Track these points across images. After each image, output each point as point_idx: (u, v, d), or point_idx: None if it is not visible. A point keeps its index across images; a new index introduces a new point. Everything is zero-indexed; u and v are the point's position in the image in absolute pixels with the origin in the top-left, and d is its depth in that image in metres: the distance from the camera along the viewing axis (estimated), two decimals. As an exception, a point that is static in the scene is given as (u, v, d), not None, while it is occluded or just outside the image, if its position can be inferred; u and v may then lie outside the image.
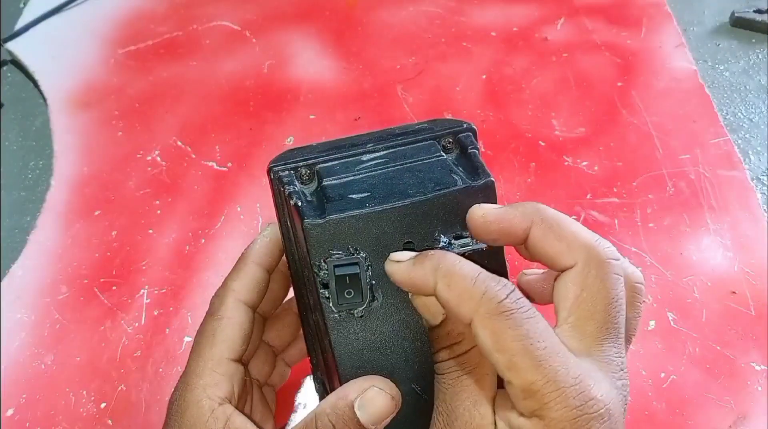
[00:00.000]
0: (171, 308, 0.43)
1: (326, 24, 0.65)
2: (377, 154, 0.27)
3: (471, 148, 0.27)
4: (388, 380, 0.24)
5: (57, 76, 0.61)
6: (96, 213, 0.49)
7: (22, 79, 0.63)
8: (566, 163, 0.50)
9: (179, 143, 0.54)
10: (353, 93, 0.57)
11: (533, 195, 0.48)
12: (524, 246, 0.24)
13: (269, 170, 0.27)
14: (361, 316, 0.25)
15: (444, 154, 0.27)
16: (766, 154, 0.51)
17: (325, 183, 0.26)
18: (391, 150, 0.27)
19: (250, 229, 0.47)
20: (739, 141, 0.52)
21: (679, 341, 0.40)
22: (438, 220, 0.25)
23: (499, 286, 0.21)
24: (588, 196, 0.48)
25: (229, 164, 0.52)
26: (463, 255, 0.24)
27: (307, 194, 0.26)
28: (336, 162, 0.27)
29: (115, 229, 0.48)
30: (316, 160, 0.27)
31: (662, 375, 0.38)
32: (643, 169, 0.49)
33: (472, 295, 0.21)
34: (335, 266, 0.24)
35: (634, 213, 0.46)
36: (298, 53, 0.62)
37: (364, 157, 0.27)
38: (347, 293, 0.25)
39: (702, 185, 0.48)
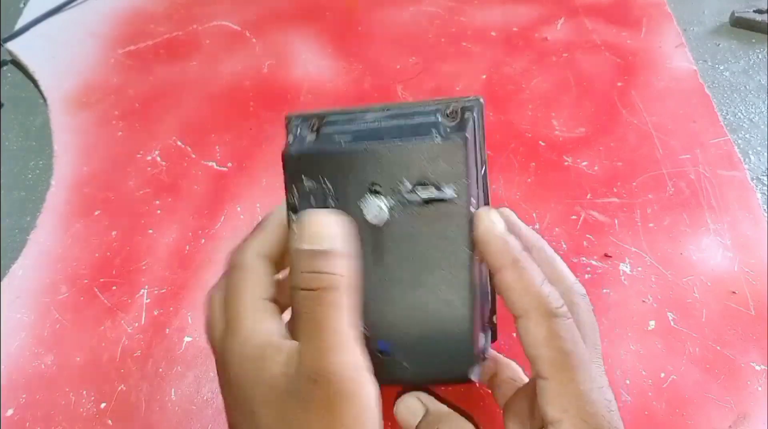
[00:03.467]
0: (171, 308, 0.43)
1: (326, 24, 0.65)
2: (380, 114, 0.28)
3: (467, 114, 0.27)
4: None
5: (57, 76, 0.61)
6: (96, 213, 0.49)
7: (22, 79, 0.63)
8: (566, 163, 0.50)
9: (179, 143, 0.54)
10: (353, 93, 0.57)
11: (533, 195, 0.48)
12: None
13: (287, 118, 0.29)
14: None
15: (440, 118, 0.27)
16: (766, 154, 0.51)
17: (323, 131, 0.28)
18: (395, 111, 0.28)
19: (250, 229, 0.47)
20: (739, 141, 0.52)
21: (679, 341, 0.40)
22: (405, 167, 0.26)
23: (557, 295, 0.24)
24: (588, 196, 0.48)
25: (229, 164, 0.52)
26: (425, 201, 0.26)
27: (306, 138, 0.28)
28: (343, 116, 0.29)
29: (115, 229, 0.48)
30: (327, 114, 0.29)
31: (662, 375, 0.38)
32: (643, 169, 0.49)
33: (538, 293, 0.24)
34: (303, 192, 0.27)
35: (634, 213, 0.47)
36: (298, 53, 0.62)
37: (368, 116, 0.28)
38: None
39: (702, 185, 0.48)
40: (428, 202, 0.26)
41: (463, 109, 0.28)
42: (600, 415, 0.23)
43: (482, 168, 0.28)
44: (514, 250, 0.25)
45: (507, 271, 0.25)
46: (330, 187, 0.26)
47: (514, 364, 0.32)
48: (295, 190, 0.27)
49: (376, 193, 0.26)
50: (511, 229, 0.26)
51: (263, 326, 0.25)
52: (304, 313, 0.23)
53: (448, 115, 0.28)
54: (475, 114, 0.28)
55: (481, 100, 0.29)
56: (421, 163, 0.26)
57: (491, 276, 0.26)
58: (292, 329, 0.25)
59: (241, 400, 0.24)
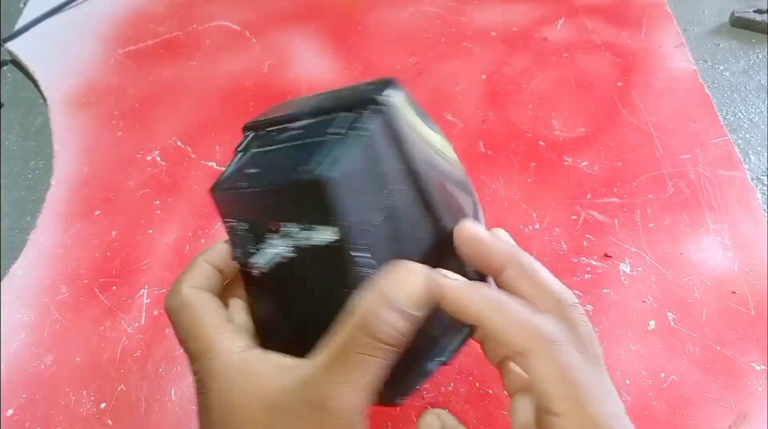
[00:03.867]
0: (171, 308, 0.43)
1: (326, 24, 0.65)
2: (298, 125, 0.27)
3: (352, 133, 0.23)
4: None
5: (57, 76, 0.61)
6: (96, 213, 0.49)
7: (22, 79, 0.63)
8: (566, 163, 0.50)
9: (179, 143, 0.54)
10: (353, 93, 0.57)
11: (533, 195, 0.48)
12: (498, 282, 0.26)
13: (243, 128, 0.29)
14: (258, 277, 0.26)
15: (340, 133, 0.23)
16: (766, 154, 0.51)
17: (249, 152, 0.28)
18: (312, 120, 0.26)
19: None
20: (739, 141, 0.52)
21: (679, 341, 0.40)
22: (289, 209, 0.24)
23: (551, 320, 0.23)
24: (588, 196, 0.48)
25: (229, 164, 0.52)
26: (297, 247, 0.24)
27: (231, 164, 0.28)
28: (273, 128, 0.28)
29: (115, 229, 0.48)
30: (261, 124, 0.29)
31: (662, 375, 0.38)
32: (643, 169, 0.49)
33: (532, 327, 0.23)
34: (230, 228, 0.27)
35: (634, 213, 0.46)
36: (298, 53, 0.62)
37: (290, 126, 0.27)
38: (237, 252, 0.27)
39: (702, 185, 0.48)
40: (313, 246, 0.23)
41: (353, 125, 0.23)
42: None
43: (408, 196, 0.24)
44: (490, 299, 0.23)
45: (491, 315, 0.23)
46: (246, 226, 0.26)
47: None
48: (225, 225, 0.27)
49: (275, 234, 0.25)
50: (479, 252, 0.25)
51: (240, 345, 0.25)
52: (351, 348, 0.22)
53: (352, 123, 0.24)
54: (368, 130, 0.23)
55: (394, 97, 0.24)
56: (301, 204, 0.23)
57: (472, 327, 0.26)
58: (253, 307, 0.27)
59: (225, 418, 0.24)
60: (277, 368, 0.24)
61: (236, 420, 0.24)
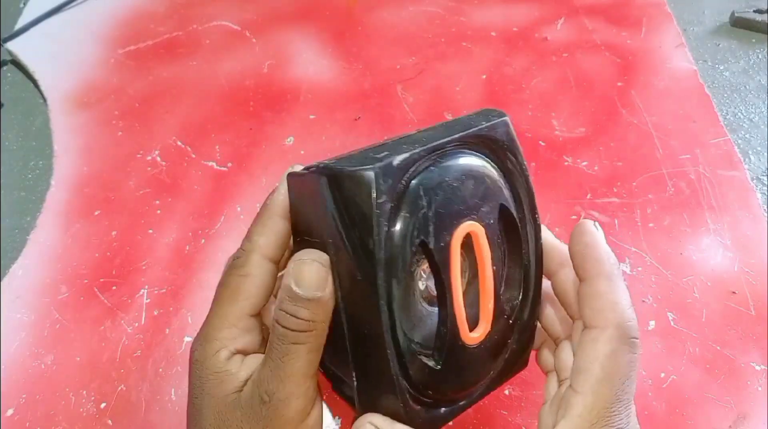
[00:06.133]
0: (171, 308, 0.43)
1: (326, 24, 0.65)
2: None
3: None
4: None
5: (57, 76, 0.61)
6: (96, 213, 0.49)
7: (22, 79, 0.63)
8: (566, 163, 0.50)
9: (179, 143, 0.54)
10: (353, 93, 0.57)
11: (533, 195, 0.48)
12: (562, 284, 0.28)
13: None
14: None
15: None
16: (766, 154, 0.51)
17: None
18: None
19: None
20: (739, 141, 0.52)
21: (679, 341, 0.40)
22: None
23: (637, 327, 0.25)
24: (588, 196, 0.48)
25: (229, 164, 0.52)
26: None
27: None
28: None
29: (115, 229, 0.48)
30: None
31: (662, 375, 0.38)
32: (643, 169, 0.49)
33: (625, 314, 0.25)
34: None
35: (634, 213, 0.46)
36: (298, 53, 0.62)
37: None
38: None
39: (702, 185, 0.48)
40: None
41: None
42: None
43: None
44: (613, 265, 0.25)
45: (602, 280, 0.25)
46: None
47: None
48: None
49: None
50: (586, 253, 0.26)
51: (233, 344, 0.26)
52: (275, 343, 0.24)
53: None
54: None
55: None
56: None
57: (580, 282, 0.26)
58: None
59: (197, 408, 0.26)
60: (246, 380, 0.25)
61: (204, 411, 0.25)
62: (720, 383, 0.38)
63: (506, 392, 0.38)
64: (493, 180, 0.25)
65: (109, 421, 0.38)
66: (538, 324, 0.29)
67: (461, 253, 0.24)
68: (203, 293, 0.44)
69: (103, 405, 0.39)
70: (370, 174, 0.22)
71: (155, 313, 0.43)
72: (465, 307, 0.24)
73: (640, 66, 0.58)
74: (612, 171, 0.49)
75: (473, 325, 0.25)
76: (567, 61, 0.59)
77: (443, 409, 0.25)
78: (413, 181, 0.23)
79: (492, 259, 0.25)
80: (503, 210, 0.25)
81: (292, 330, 0.23)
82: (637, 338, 0.25)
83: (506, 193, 0.26)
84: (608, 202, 0.47)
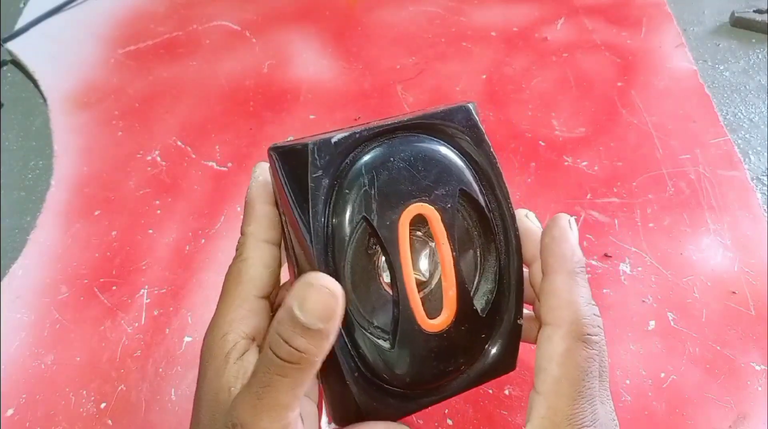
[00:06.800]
0: (171, 308, 0.43)
1: (326, 24, 0.65)
2: None
3: None
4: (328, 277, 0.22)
5: (57, 76, 0.61)
6: (96, 213, 0.49)
7: (22, 79, 0.63)
8: (566, 163, 0.50)
9: (179, 143, 0.54)
10: (353, 93, 0.57)
11: (533, 195, 0.48)
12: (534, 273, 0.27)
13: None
14: None
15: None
16: (766, 154, 0.51)
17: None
18: None
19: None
20: (739, 141, 0.52)
21: (679, 341, 0.40)
22: None
23: (598, 323, 0.25)
24: (588, 196, 0.48)
25: (229, 164, 0.52)
26: None
27: None
28: None
29: (115, 229, 0.48)
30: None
31: (662, 375, 0.38)
32: (643, 169, 0.49)
33: (580, 311, 0.24)
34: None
35: (634, 213, 0.46)
36: (298, 53, 0.62)
37: None
38: None
39: (702, 185, 0.48)
40: None
41: None
42: None
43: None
44: (576, 262, 0.25)
45: (560, 277, 0.24)
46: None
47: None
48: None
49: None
50: (553, 246, 0.25)
51: (240, 327, 0.25)
52: (259, 370, 0.22)
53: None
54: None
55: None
56: None
57: (542, 277, 0.25)
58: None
59: (198, 395, 0.25)
60: (234, 368, 0.24)
61: (203, 405, 0.24)
62: (720, 383, 0.38)
63: (506, 392, 0.38)
64: (451, 164, 0.25)
65: (109, 421, 0.38)
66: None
67: (426, 242, 0.24)
68: (203, 293, 0.44)
69: (103, 405, 0.39)
70: (306, 149, 0.23)
71: (155, 313, 0.43)
72: (431, 296, 0.24)
73: (640, 66, 0.58)
74: (612, 171, 0.49)
75: (436, 313, 0.24)
76: (567, 61, 0.59)
77: (410, 400, 0.25)
78: (357, 161, 0.24)
79: (454, 245, 0.24)
80: (465, 195, 0.25)
81: (281, 359, 0.21)
82: (592, 335, 0.24)
83: (469, 178, 0.25)
84: (608, 202, 0.47)
